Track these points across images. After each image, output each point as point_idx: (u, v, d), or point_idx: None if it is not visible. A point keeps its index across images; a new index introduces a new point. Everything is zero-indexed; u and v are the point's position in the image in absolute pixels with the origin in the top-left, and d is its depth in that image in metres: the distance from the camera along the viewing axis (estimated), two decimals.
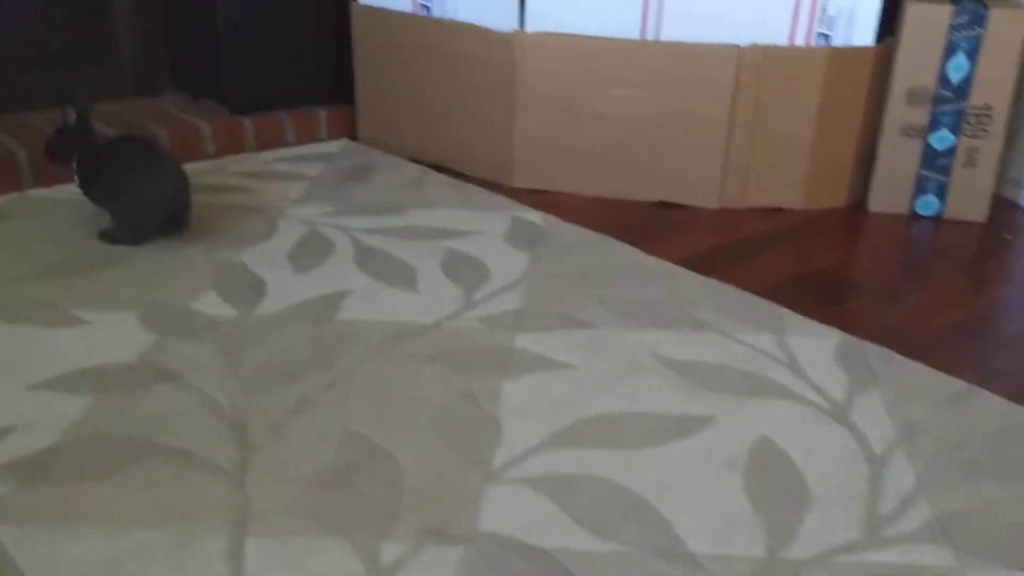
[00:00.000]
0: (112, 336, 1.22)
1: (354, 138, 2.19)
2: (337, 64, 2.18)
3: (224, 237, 1.56)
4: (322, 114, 2.19)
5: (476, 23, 1.87)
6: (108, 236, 1.52)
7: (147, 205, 1.50)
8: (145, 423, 1.03)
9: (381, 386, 1.13)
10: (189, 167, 1.91)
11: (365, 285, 1.41)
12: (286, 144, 2.12)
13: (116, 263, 1.44)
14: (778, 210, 1.81)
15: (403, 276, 1.45)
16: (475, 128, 1.94)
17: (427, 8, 1.96)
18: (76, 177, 1.54)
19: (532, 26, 1.81)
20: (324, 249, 1.54)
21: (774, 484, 0.97)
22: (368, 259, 1.51)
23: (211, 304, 1.32)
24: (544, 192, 1.88)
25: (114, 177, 1.50)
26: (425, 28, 1.96)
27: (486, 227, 1.66)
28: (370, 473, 0.96)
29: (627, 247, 1.59)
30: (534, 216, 1.73)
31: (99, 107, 2.09)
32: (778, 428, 1.06)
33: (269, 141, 2.10)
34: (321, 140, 2.18)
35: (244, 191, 1.80)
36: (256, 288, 1.38)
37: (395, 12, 2.00)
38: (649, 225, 1.73)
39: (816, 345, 1.26)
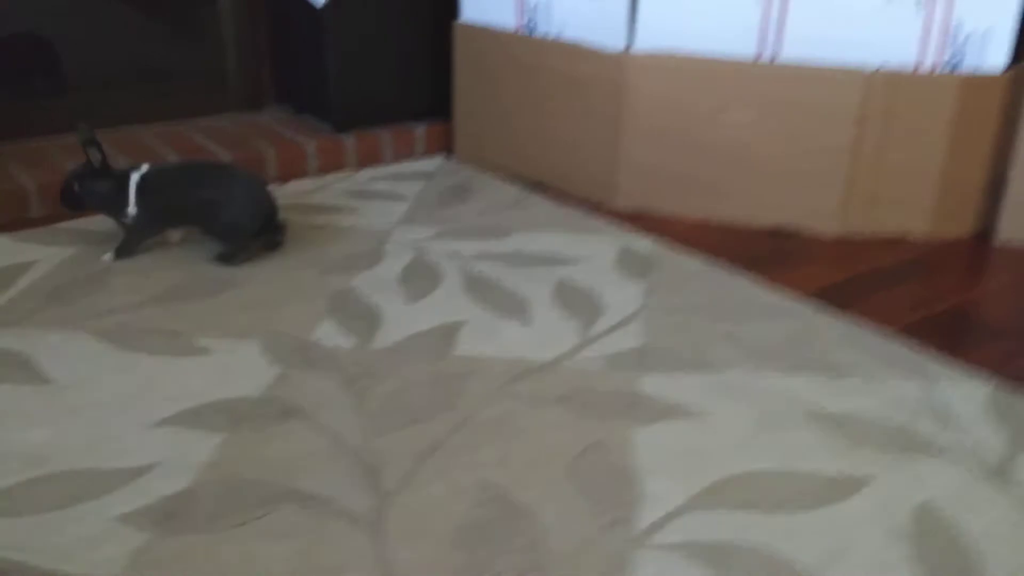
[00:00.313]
0: (236, 367, 1.21)
1: (449, 154, 2.18)
2: (435, 80, 2.16)
3: (335, 260, 1.56)
4: (419, 130, 2.17)
5: (582, 42, 1.83)
6: (224, 258, 1.52)
7: (246, 213, 1.52)
8: (279, 465, 1.02)
9: (508, 431, 1.10)
10: (293, 185, 1.94)
11: (478, 316, 1.38)
12: (384, 161, 2.12)
13: (230, 287, 1.44)
14: (899, 239, 1.73)
15: (515, 307, 1.42)
16: (577, 148, 1.90)
17: (532, 26, 1.93)
18: (121, 209, 1.49)
19: (641, 46, 1.76)
20: (432, 275, 1.52)
21: (945, 559, 0.91)
22: (477, 287, 1.48)
23: (329, 334, 1.31)
24: (648, 215, 1.83)
25: (204, 197, 1.50)
26: (529, 46, 1.93)
27: (593, 253, 1.62)
28: (511, 530, 0.93)
29: (746, 279, 1.53)
30: (642, 242, 1.68)
31: (203, 122, 2.13)
32: (940, 491, 1.00)
33: (368, 158, 2.10)
34: (417, 157, 2.17)
35: (349, 211, 1.80)
36: (371, 317, 1.37)
37: (498, 30, 1.97)
38: (764, 254, 1.67)
39: (967, 394, 1.19)
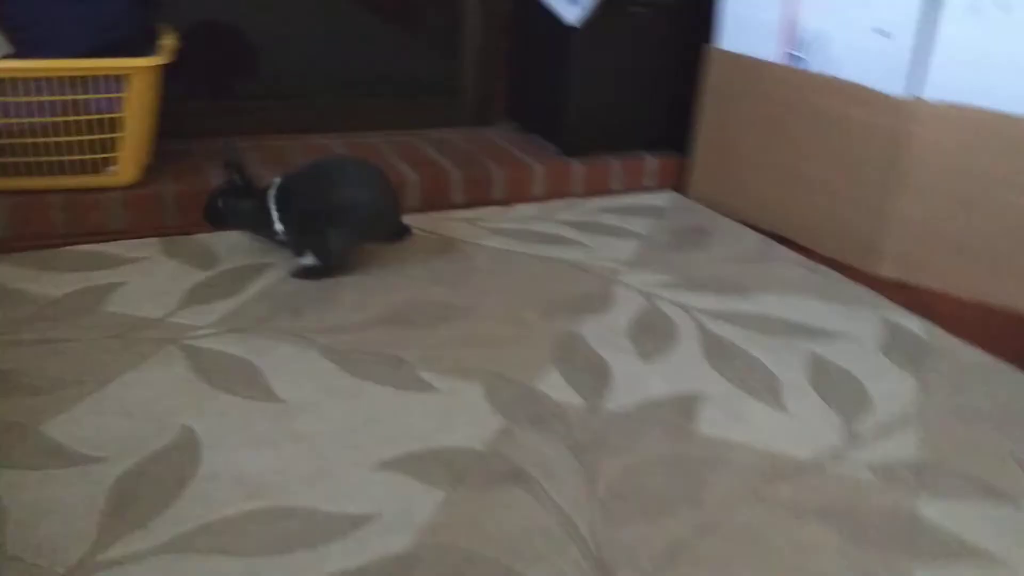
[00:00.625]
0: (459, 411, 1.13)
1: (680, 190, 2.03)
2: (673, 108, 2.02)
3: (560, 300, 1.45)
4: (651, 161, 2.04)
5: (861, 83, 1.62)
6: (313, 270, 1.46)
7: (379, 207, 1.47)
8: (502, 540, 0.91)
9: (763, 547, 0.94)
10: (518, 210, 1.86)
11: (722, 391, 1.23)
12: (611, 191, 2.00)
13: (453, 317, 1.37)
14: None
15: (765, 384, 1.25)
16: (838, 201, 1.70)
17: (798, 59, 1.74)
18: (266, 225, 1.43)
19: (932, 94, 1.54)
20: (667, 331, 1.38)
21: None
22: (719, 353, 1.32)
23: (557, 387, 1.20)
24: (915, 288, 1.60)
25: (340, 196, 1.42)
26: (796, 82, 1.74)
27: (854, 328, 1.43)
28: None
29: None
30: (912, 322, 1.46)
31: (435, 134, 2.10)
32: None
33: (595, 187, 1.99)
34: (647, 189, 2.03)
35: (574, 245, 1.69)
36: (601, 373, 1.25)
37: (759, 61, 1.80)
38: None
39: None
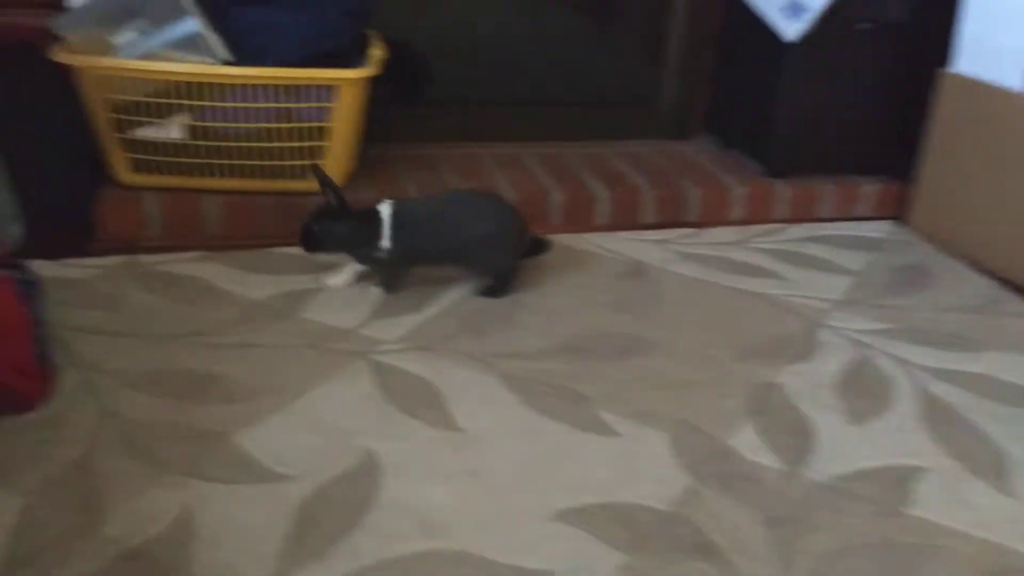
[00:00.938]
0: (642, 462, 1.06)
1: (900, 221, 1.84)
2: (896, 132, 1.84)
3: (758, 342, 1.34)
4: (867, 188, 1.87)
5: None
6: (492, 291, 1.43)
7: (504, 250, 1.43)
8: None
9: None
10: (713, 233, 1.75)
11: (941, 465, 1.09)
12: (819, 219, 1.85)
13: (642, 352, 1.30)
14: None
15: (991, 462, 1.10)
16: None
17: None
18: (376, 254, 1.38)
19: None
20: (881, 389, 1.24)
21: None
22: (939, 419, 1.18)
23: (751, 445, 1.10)
24: None
25: (460, 239, 1.39)
26: None
27: None
28: None
29: None
30: None
31: (628, 146, 2.03)
32: None
33: (801, 212, 1.85)
34: (860, 218, 1.86)
35: (774, 278, 1.57)
36: (802, 433, 1.14)
37: (999, 89, 1.60)
38: None
39: None
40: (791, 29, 1.71)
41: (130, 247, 1.48)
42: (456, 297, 1.42)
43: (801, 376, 1.26)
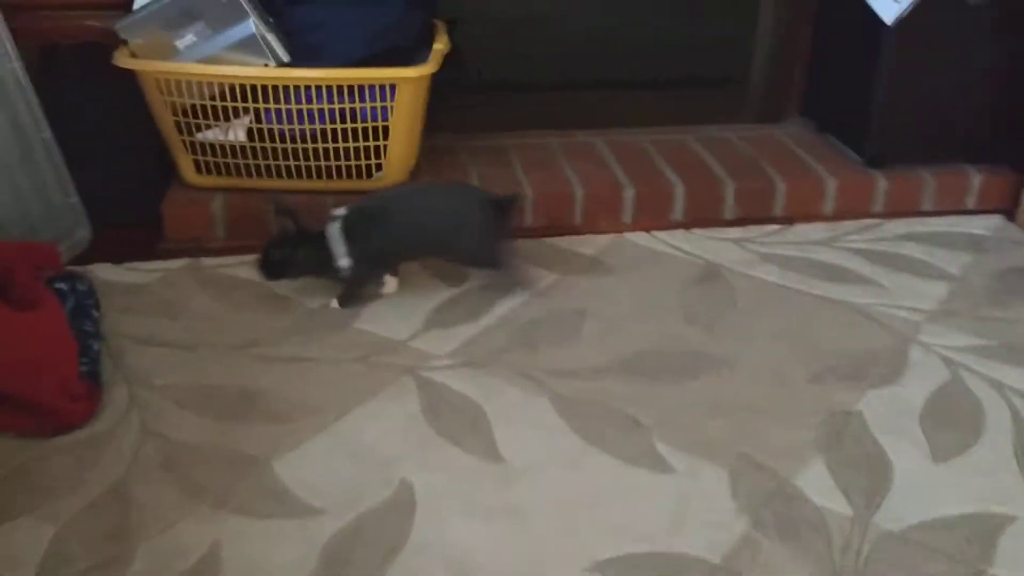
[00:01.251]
0: (698, 504, 0.98)
1: (1012, 216, 1.67)
2: (1010, 116, 1.66)
3: (836, 359, 1.24)
4: (976, 177, 1.70)
5: None
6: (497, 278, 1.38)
7: (479, 237, 1.35)
8: None
9: None
10: (800, 230, 1.62)
11: None
12: (921, 213, 1.69)
13: (707, 370, 1.21)
14: None
15: None
16: None
17: None
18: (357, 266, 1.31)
19: None
20: (973, 418, 1.13)
21: None
22: None
23: (820, 485, 1.01)
24: None
25: (430, 232, 1.34)
26: None
27: None
28: None
29: None
30: None
31: (710, 130, 1.90)
32: None
33: (899, 205, 1.69)
34: (968, 212, 1.70)
35: (865, 283, 1.44)
36: (878, 472, 1.04)
37: None
38: None
39: None
40: (890, 12, 1.55)
41: (194, 249, 1.48)
42: (514, 304, 1.36)
43: (883, 402, 1.16)
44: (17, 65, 1.36)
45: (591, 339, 1.28)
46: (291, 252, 1.30)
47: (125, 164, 1.50)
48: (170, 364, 1.20)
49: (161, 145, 1.52)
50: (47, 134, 1.39)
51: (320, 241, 1.30)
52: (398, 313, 1.33)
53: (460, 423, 1.10)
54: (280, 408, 1.12)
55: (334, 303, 1.35)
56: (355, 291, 1.36)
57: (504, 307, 1.36)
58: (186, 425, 1.08)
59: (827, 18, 1.82)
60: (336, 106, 1.44)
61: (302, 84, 1.43)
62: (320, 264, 1.32)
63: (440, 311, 1.34)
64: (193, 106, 1.44)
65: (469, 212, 1.35)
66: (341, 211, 1.32)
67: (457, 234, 1.35)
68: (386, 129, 1.47)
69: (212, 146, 1.49)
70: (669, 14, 1.87)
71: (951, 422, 1.12)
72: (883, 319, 1.34)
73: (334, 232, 1.30)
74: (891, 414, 1.13)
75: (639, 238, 1.57)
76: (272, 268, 1.32)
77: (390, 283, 1.39)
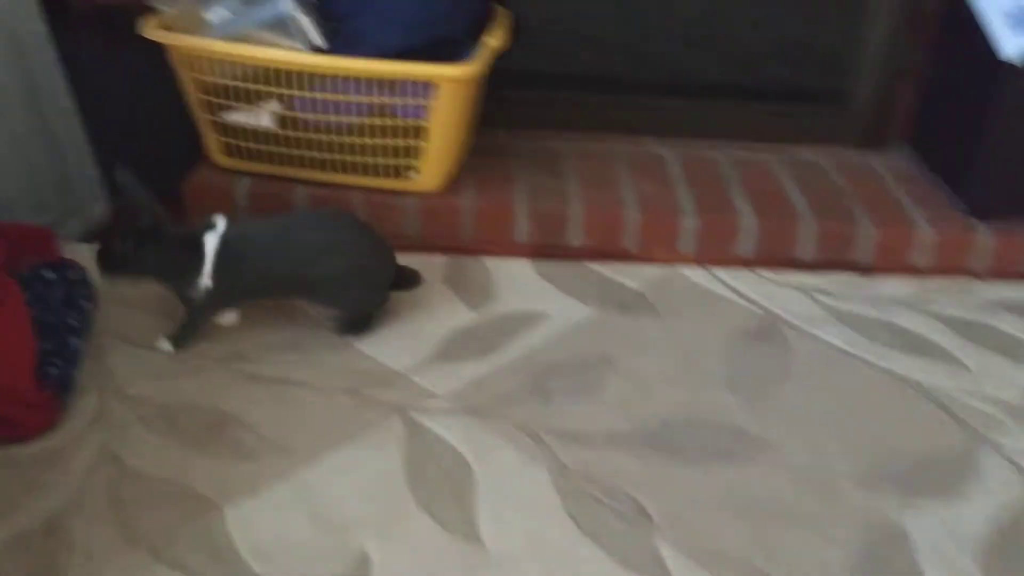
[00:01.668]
0: None
1: None
2: None
3: (895, 461, 1.05)
4: None
5: None
6: (352, 327, 1.21)
7: (367, 286, 1.21)
8: None
9: None
10: (884, 285, 1.40)
11: None
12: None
13: (740, 455, 1.05)
14: None
15: None
16: None
17: None
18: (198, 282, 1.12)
19: None
20: None
21: None
22: None
23: None
24: None
25: (312, 272, 1.16)
26: None
27: None
28: None
29: None
30: None
31: (799, 151, 1.69)
32: None
33: (1005, 266, 1.46)
34: None
35: (947, 361, 1.24)
36: None
37: None
38: None
39: None
40: (1011, 46, 1.31)
41: None
42: (535, 343, 1.22)
43: (937, 521, 0.97)
44: (40, 27, 1.28)
45: (613, 397, 1.13)
46: (139, 248, 1.09)
47: (152, 139, 1.42)
48: (149, 370, 1.12)
49: (192, 122, 1.43)
50: (66, 102, 1.32)
51: (183, 246, 1.11)
52: (407, 337, 1.21)
53: (441, 488, 0.98)
54: (247, 440, 1.02)
55: (164, 343, 1.16)
56: (197, 325, 1.18)
57: (523, 341, 1.22)
58: (146, 449, 1.00)
59: (947, 40, 1.58)
60: (369, 100, 1.32)
61: (330, 73, 1.30)
62: (171, 272, 1.13)
63: (453, 340, 1.22)
64: (220, 85, 1.34)
65: (364, 262, 1.20)
66: (221, 223, 1.13)
67: (343, 285, 1.18)
68: (422, 129, 1.34)
69: (239, 129, 1.39)
70: (761, 9, 1.66)
71: (1017, 559, 0.93)
72: (958, 410, 1.14)
73: (211, 246, 1.11)
74: (944, 541, 0.95)
75: (695, 274, 1.40)
76: (110, 262, 1.11)
77: (230, 315, 1.22)
